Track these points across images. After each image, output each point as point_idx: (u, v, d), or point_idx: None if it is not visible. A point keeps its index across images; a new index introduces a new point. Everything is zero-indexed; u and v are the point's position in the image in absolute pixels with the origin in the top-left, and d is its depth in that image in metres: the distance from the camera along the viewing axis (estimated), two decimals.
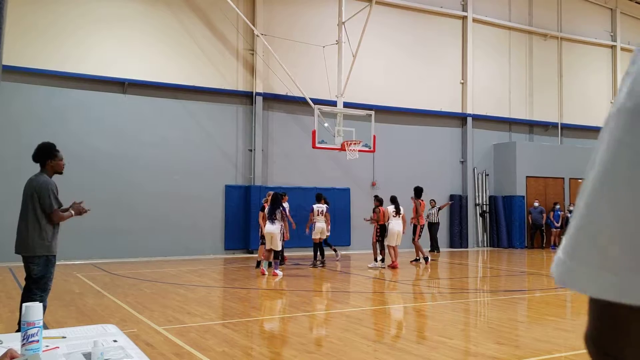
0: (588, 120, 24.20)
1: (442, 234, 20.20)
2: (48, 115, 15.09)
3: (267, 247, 12.21)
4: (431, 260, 16.07)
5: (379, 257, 13.72)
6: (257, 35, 17.33)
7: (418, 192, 15.11)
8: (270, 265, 12.35)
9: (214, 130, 17.25)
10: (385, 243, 13.74)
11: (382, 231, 13.77)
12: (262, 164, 17.69)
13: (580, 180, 20.21)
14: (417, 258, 15.06)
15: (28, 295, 5.73)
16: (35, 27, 15.05)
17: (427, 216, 17.84)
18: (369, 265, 13.68)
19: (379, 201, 13.93)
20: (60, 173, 6.03)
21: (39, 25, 15.10)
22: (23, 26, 14.86)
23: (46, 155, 5.88)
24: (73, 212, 5.89)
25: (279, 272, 12.18)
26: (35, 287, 5.75)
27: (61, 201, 5.96)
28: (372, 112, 16.33)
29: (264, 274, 12.09)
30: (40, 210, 5.75)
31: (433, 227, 18.31)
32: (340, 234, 18.17)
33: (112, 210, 15.54)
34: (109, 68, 15.83)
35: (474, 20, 21.59)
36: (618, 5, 25.02)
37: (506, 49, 22.50)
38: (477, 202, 21.41)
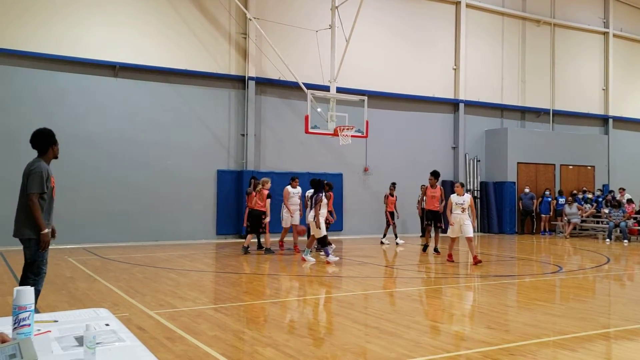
0: (580, 107, 24.28)
1: None
2: (38, 100, 14.95)
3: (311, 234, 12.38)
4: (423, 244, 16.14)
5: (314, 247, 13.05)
6: (250, 19, 17.20)
7: (437, 175, 14.06)
8: (308, 252, 12.28)
9: (206, 114, 17.17)
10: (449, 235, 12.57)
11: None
12: (254, 148, 17.65)
13: (571, 167, 20.10)
14: (436, 247, 13.92)
15: (24, 279, 5.78)
16: (26, 10, 14.85)
17: (419, 202, 17.92)
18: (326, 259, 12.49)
19: (328, 186, 13.16)
20: (57, 158, 6.03)
21: (29, 9, 14.90)
22: (14, 10, 14.67)
23: (50, 141, 5.85)
24: (43, 231, 5.63)
25: (332, 258, 11.88)
26: (29, 271, 5.73)
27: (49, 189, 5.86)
28: (365, 98, 16.30)
29: (304, 261, 12.03)
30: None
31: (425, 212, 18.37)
32: None
33: (104, 194, 15.48)
34: (99, 51, 15.67)
35: (468, 5, 21.52)
36: None
37: (499, 35, 22.47)
38: (469, 187, 21.50)
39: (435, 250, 13.75)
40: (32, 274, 5.71)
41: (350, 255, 13.40)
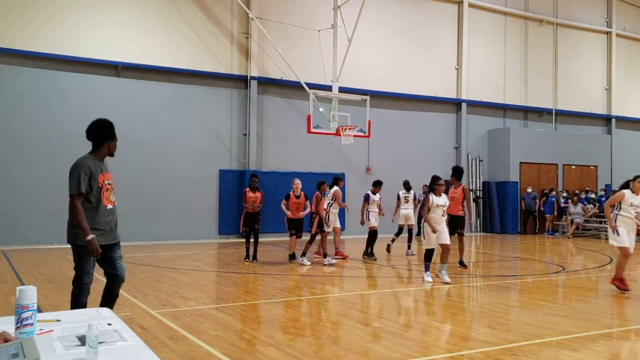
0: (582, 107, 24.24)
1: None
2: (40, 99, 14.96)
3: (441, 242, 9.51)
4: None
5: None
6: (252, 19, 17.20)
7: (460, 173, 11.67)
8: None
9: (208, 114, 17.18)
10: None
11: (320, 222, 11.74)
12: (256, 148, 17.65)
13: (573, 167, 19.93)
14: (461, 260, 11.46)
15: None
16: (28, 10, 14.87)
17: (419, 201, 17.87)
18: (325, 263, 11.65)
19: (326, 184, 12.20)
20: (112, 156, 5.35)
21: (32, 9, 14.92)
22: (17, 10, 14.70)
23: (105, 135, 5.18)
24: (87, 237, 4.86)
25: (428, 278, 9.45)
26: (73, 278, 5.11)
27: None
28: (367, 97, 16.29)
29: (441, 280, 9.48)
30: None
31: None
32: None
33: None
34: (102, 51, 15.68)
35: (470, 5, 21.50)
36: None
37: (502, 35, 22.44)
38: (471, 187, 21.48)
39: (462, 263, 11.29)
40: (74, 284, 5.10)
41: (353, 254, 13.38)
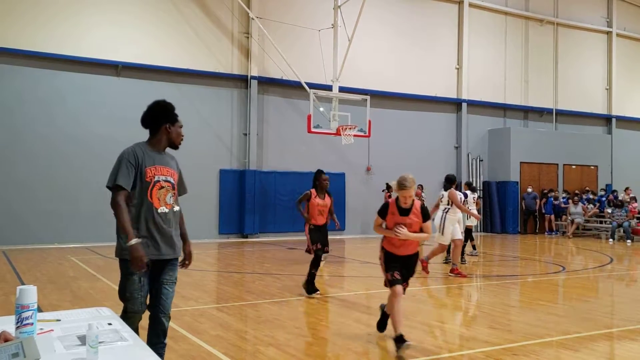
0: (583, 107, 24.24)
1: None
2: (40, 99, 14.95)
3: None
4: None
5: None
6: (253, 18, 17.20)
7: None
8: None
9: (208, 113, 17.17)
10: None
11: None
12: (257, 148, 17.65)
13: (574, 167, 19.91)
14: None
15: None
16: (28, 10, 14.88)
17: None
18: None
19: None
20: (176, 147, 4.29)
21: (32, 9, 14.92)
22: (18, 10, 14.71)
23: (165, 116, 4.21)
24: (130, 242, 3.78)
25: None
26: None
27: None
28: (368, 97, 16.30)
29: None
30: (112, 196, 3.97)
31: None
32: None
33: (106, 193, 15.43)
34: (102, 51, 15.67)
35: (471, 5, 21.50)
36: None
37: (502, 35, 22.44)
38: None
39: None
40: (123, 309, 3.97)
41: (353, 254, 13.39)
